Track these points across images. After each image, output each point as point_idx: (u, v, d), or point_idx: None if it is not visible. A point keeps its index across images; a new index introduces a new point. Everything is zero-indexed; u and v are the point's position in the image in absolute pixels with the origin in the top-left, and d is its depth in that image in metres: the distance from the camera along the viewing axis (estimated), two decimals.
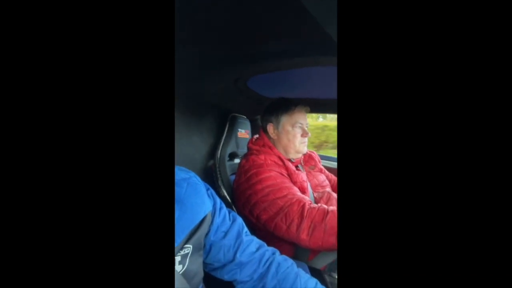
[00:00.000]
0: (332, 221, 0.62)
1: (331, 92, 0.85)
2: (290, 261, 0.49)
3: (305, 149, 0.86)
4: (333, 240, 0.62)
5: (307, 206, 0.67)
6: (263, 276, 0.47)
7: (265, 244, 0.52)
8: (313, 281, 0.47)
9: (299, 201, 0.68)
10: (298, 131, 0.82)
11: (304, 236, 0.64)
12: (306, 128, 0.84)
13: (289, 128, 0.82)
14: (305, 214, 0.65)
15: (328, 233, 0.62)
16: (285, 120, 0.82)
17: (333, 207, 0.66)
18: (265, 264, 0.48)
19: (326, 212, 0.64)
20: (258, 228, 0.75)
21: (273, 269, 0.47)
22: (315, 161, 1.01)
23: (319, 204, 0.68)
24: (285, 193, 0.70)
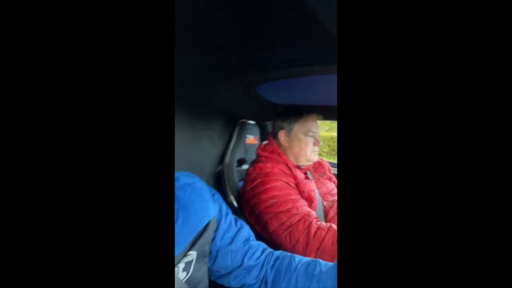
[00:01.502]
0: None
1: None
2: (288, 253, 0.50)
3: (315, 158, 0.85)
4: None
5: (314, 226, 0.63)
6: (265, 272, 0.47)
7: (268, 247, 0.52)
8: (308, 259, 0.47)
9: (305, 220, 0.65)
10: (310, 140, 0.81)
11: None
12: (317, 137, 0.83)
13: (301, 136, 0.81)
14: (312, 235, 0.62)
15: (337, 256, 0.59)
16: (298, 128, 0.81)
17: None
18: (268, 262, 0.48)
19: (335, 234, 0.61)
20: (263, 238, 0.74)
21: (271, 262, 0.48)
22: (325, 169, 0.99)
23: (328, 224, 0.64)
24: (289, 207, 0.67)
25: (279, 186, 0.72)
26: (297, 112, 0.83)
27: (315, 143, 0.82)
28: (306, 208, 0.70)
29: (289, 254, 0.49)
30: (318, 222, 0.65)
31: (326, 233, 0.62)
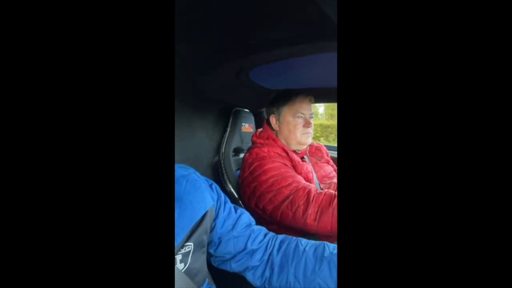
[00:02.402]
0: None
1: (335, 80, 0.83)
2: (293, 237, 0.51)
3: (308, 140, 0.84)
4: None
5: (313, 192, 0.66)
6: (269, 254, 0.48)
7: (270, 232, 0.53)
8: (315, 242, 0.48)
9: (304, 187, 0.67)
10: (299, 121, 0.80)
11: (311, 221, 0.63)
12: (308, 118, 0.82)
13: (290, 118, 0.80)
14: (311, 200, 0.64)
15: (336, 217, 0.60)
16: (286, 110, 0.81)
17: None
18: (272, 245, 0.49)
19: (333, 196, 0.63)
20: (265, 221, 0.75)
21: (277, 245, 0.49)
22: (322, 153, 0.99)
23: (326, 190, 0.67)
24: (289, 181, 0.69)
25: (276, 166, 0.73)
26: (285, 95, 0.82)
27: (305, 125, 0.81)
28: (306, 182, 0.71)
29: (294, 237, 0.50)
30: (318, 190, 0.67)
31: (324, 195, 0.64)
